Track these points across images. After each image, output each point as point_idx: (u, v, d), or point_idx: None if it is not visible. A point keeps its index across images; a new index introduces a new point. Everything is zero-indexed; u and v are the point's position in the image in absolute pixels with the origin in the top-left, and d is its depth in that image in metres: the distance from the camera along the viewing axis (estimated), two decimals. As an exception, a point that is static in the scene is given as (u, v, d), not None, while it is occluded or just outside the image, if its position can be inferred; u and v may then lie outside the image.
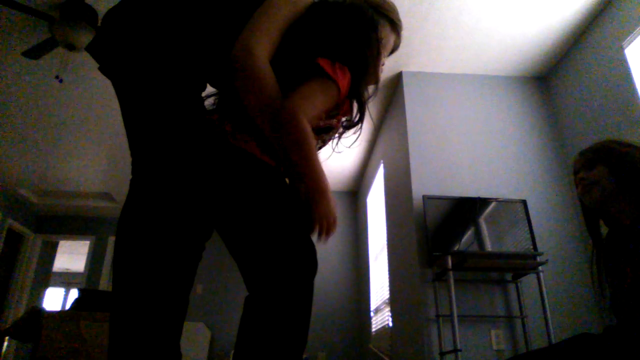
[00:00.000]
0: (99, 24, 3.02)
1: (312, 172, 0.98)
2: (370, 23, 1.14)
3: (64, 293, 10.43)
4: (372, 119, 4.22)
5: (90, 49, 1.10)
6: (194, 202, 1.01)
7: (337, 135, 1.20)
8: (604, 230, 1.41)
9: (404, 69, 3.53)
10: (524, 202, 2.96)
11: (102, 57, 1.09)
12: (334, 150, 1.24)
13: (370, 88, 1.19)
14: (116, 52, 1.05)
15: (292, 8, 1.08)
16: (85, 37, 2.93)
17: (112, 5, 1.13)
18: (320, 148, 1.19)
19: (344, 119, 1.16)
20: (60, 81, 3.36)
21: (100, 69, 1.10)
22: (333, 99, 1.03)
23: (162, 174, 0.99)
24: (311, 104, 0.98)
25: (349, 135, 1.21)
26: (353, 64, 1.07)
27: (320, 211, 0.99)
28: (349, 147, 1.20)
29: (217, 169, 1.01)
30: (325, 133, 1.14)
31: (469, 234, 2.84)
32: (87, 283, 6.49)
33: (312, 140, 0.97)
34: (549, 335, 2.56)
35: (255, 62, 0.97)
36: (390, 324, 3.71)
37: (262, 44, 1.00)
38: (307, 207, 1.01)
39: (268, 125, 0.98)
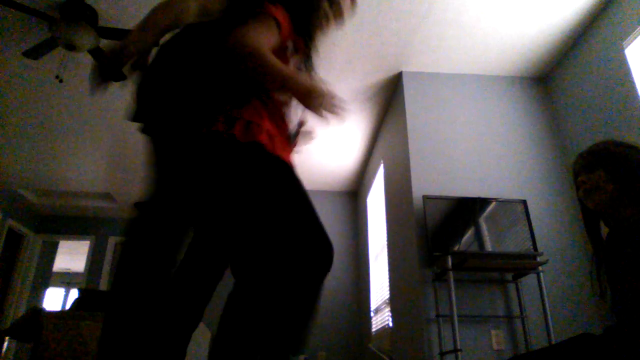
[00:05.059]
0: (99, 24, 3.02)
1: (288, 83, 1.05)
2: None
3: (64, 293, 10.42)
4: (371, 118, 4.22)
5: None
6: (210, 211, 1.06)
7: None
8: (604, 231, 1.41)
9: (404, 69, 3.53)
10: (524, 202, 2.96)
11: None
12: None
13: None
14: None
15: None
16: (85, 37, 2.93)
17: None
18: None
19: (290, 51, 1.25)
20: (61, 81, 3.36)
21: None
22: (274, 30, 1.12)
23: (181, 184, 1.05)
24: (253, 32, 1.06)
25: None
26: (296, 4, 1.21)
27: (313, 101, 1.04)
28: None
29: (229, 173, 1.06)
30: None
31: (469, 234, 2.84)
32: (87, 283, 6.48)
33: (270, 56, 1.04)
34: (549, 335, 2.57)
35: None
36: (390, 324, 3.71)
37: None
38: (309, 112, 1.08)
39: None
